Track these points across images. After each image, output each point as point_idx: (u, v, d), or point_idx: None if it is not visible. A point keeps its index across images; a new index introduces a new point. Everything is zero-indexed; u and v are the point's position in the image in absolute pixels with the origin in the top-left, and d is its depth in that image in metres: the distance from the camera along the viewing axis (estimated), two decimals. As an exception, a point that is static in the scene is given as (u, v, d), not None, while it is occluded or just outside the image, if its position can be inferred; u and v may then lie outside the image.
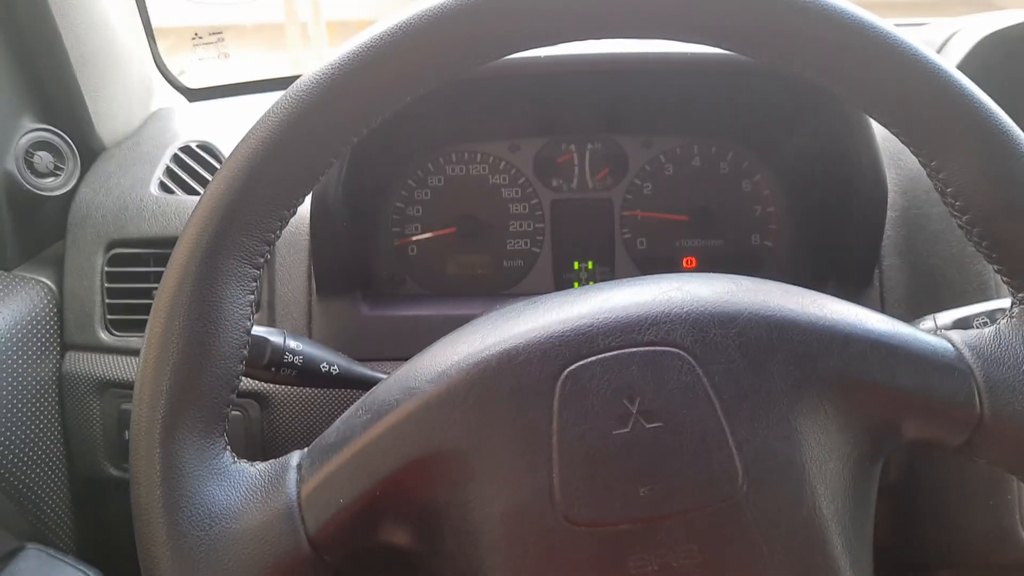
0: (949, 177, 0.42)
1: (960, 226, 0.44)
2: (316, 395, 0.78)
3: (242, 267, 0.41)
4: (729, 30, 0.42)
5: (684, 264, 0.89)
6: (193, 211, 0.41)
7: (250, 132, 0.41)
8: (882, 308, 0.78)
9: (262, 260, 0.42)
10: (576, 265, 0.90)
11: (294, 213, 0.43)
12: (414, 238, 0.89)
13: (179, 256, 0.40)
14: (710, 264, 0.89)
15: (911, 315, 0.59)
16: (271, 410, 0.79)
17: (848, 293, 0.79)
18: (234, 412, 0.78)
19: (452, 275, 0.89)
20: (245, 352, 0.42)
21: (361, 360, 0.65)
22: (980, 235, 0.43)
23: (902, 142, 0.44)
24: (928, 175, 0.44)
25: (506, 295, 0.89)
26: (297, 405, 0.78)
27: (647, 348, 0.40)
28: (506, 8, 0.41)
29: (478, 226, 0.89)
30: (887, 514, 0.80)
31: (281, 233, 0.43)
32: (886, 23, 0.42)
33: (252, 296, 0.42)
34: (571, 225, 0.90)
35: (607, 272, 0.90)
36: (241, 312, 0.41)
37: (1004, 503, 0.72)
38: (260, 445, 0.79)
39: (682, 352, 0.39)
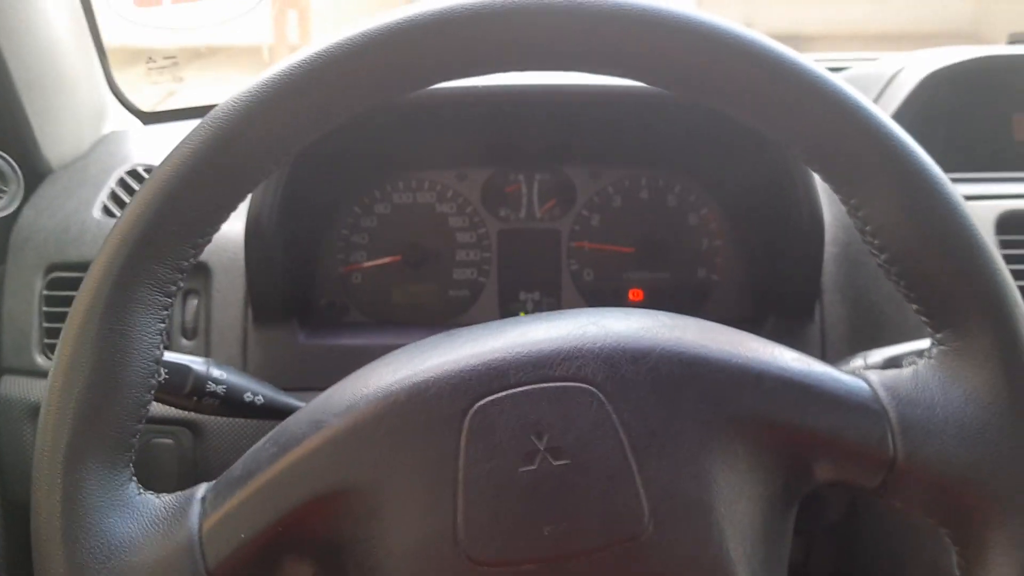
0: (868, 215, 0.42)
1: (879, 265, 0.43)
2: (250, 424, 0.77)
3: (153, 295, 0.41)
4: (641, 64, 0.41)
5: (630, 296, 0.88)
6: (106, 238, 0.41)
7: (164, 160, 0.41)
8: (823, 344, 0.78)
9: (174, 288, 0.42)
10: (522, 296, 0.89)
11: (209, 240, 0.42)
12: (359, 265, 0.88)
13: (89, 283, 0.40)
14: (656, 296, 0.88)
15: (852, 351, 0.58)
16: (204, 438, 0.77)
17: (789, 328, 0.78)
18: (165, 440, 0.77)
19: (397, 304, 0.88)
20: (153, 381, 0.41)
21: (298, 391, 0.64)
22: (898, 274, 0.42)
23: (821, 179, 0.43)
24: (848, 213, 0.43)
25: (451, 325, 0.88)
26: (231, 434, 0.77)
27: (557, 384, 0.39)
28: (420, 40, 0.40)
29: (424, 255, 0.88)
30: (828, 555, 0.79)
31: (195, 260, 0.42)
32: (805, 58, 0.41)
33: (163, 324, 0.42)
34: (518, 255, 0.89)
35: (553, 303, 0.89)
36: (151, 341, 0.41)
37: (940, 544, 0.70)
38: (193, 474, 0.78)
39: (592, 388, 0.39)
